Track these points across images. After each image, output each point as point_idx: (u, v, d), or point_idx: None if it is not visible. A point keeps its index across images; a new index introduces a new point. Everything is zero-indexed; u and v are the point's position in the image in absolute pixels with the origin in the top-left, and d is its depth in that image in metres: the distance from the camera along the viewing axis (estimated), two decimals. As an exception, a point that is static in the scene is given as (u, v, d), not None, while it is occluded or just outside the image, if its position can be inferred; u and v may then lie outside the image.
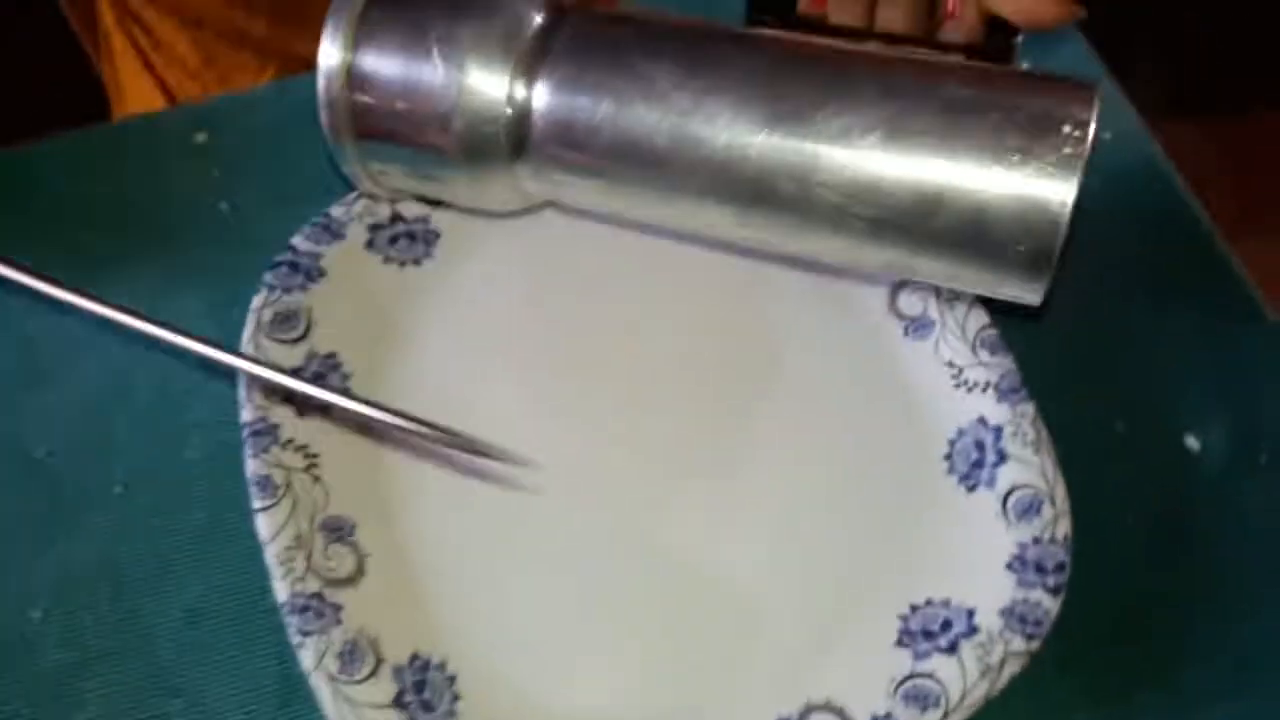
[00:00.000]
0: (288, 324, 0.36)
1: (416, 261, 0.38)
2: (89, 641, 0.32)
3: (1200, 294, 0.40)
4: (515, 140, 0.33)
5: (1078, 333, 0.37)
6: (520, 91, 0.33)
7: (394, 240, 0.38)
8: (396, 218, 0.38)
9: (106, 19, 0.60)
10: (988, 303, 0.36)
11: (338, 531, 0.33)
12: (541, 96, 0.33)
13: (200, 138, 0.42)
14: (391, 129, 0.34)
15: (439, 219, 0.38)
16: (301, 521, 0.32)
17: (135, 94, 0.61)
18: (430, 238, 0.38)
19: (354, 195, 0.38)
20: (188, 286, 0.39)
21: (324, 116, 0.34)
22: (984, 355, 0.35)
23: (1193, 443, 0.37)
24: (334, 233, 0.37)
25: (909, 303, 0.37)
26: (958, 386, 0.36)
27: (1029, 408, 0.34)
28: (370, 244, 0.38)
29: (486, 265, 0.39)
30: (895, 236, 0.31)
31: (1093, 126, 0.29)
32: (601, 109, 0.32)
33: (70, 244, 0.39)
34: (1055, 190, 0.29)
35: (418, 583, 0.33)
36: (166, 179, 0.41)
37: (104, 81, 0.63)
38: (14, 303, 0.37)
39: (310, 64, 0.34)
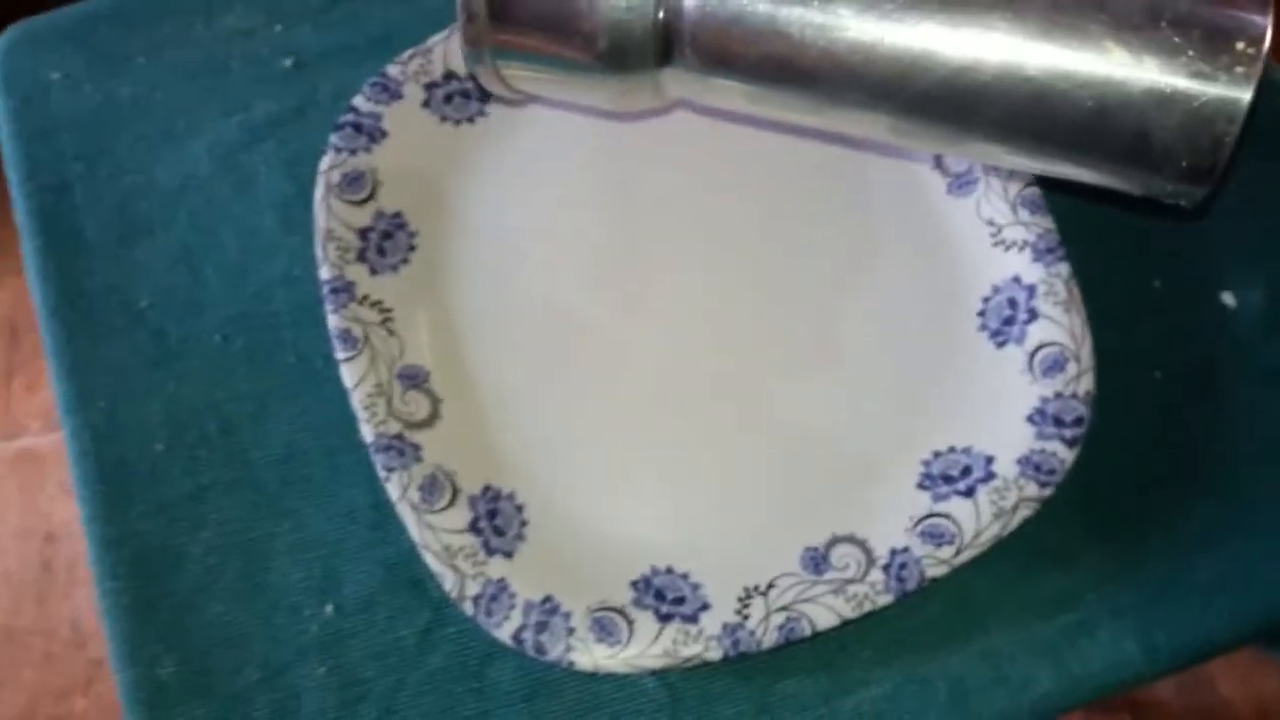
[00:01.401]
0: (355, 185, 0.38)
1: (471, 120, 0.40)
2: (204, 472, 0.37)
3: (1251, 153, 0.39)
4: (662, 47, 0.32)
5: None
6: None
7: (449, 99, 0.39)
8: (450, 75, 0.39)
9: None
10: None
11: (413, 379, 0.36)
12: (690, 1, 0.31)
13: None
14: (533, 36, 0.33)
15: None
16: (381, 370, 0.36)
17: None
18: (484, 95, 0.40)
19: (409, 54, 0.39)
20: (262, 142, 0.41)
21: (462, 19, 0.33)
22: (1024, 215, 0.36)
23: (1229, 300, 0.38)
24: (392, 92, 0.39)
25: (954, 160, 0.38)
26: (996, 244, 0.37)
27: (1063, 268, 0.36)
28: (426, 103, 0.39)
29: (541, 121, 0.40)
30: (1057, 150, 0.31)
31: (1267, 42, 0.28)
32: (754, 12, 0.31)
33: (144, 104, 0.41)
34: (1224, 107, 0.28)
35: (487, 424, 0.37)
36: (227, 35, 0.42)
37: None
38: (106, 164, 0.40)
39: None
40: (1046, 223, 0.36)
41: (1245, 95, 0.28)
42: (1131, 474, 0.36)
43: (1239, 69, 0.28)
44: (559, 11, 0.32)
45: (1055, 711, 0.34)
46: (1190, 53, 0.28)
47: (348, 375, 0.36)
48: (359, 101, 0.38)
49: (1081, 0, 0.29)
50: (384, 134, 0.38)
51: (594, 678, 0.35)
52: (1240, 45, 0.28)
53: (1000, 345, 0.36)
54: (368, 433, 0.35)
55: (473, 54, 0.34)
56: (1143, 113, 0.29)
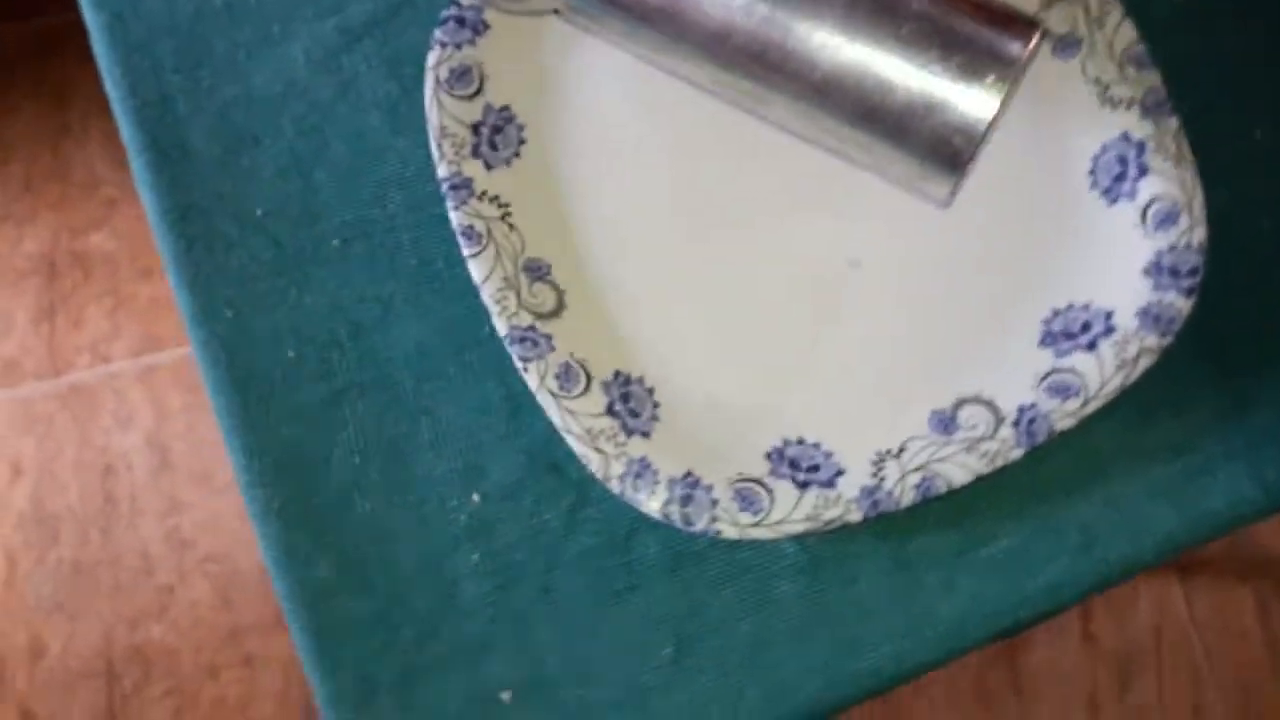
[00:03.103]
0: (463, 80, 0.38)
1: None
2: (338, 375, 0.38)
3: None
4: None
5: (1224, 44, 0.38)
6: None
7: (548, -13, 0.39)
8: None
9: None
10: (1136, 17, 0.36)
11: (537, 272, 0.37)
12: None
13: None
14: None
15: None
16: (506, 264, 0.37)
17: None
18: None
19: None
20: (361, 44, 0.40)
21: None
22: (1130, 72, 0.37)
23: (1329, 146, 0.38)
24: (492, -16, 0.38)
25: (1058, 20, 0.38)
26: (1104, 104, 0.37)
27: (1172, 122, 0.36)
28: (526, -7, 0.39)
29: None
30: (842, 128, 0.35)
31: (1015, 76, 0.32)
32: None
33: (238, 11, 0.41)
34: (964, 128, 0.33)
35: (610, 312, 0.38)
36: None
37: None
38: (205, 74, 0.40)
39: None
40: (1154, 78, 0.36)
41: (984, 120, 0.32)
42: (1243, 322, 0.37)
43: (986, 97, 0.32)
44: None
45: (1178, 550, 0.36)
46: (949, 74, 0.33)
47: (475, 270, 0.36)
48: (459, -6, 0.38)
49: (879, 6, 0.33)
50: (486, 26, 0.38)
51: (736, 546, 0.36)
52: (990, 78, 0.32)
53: (1112, 202, 0.37)
54: (501, 325, 0.36)
55: None
56: (906, 111, 0.33)
